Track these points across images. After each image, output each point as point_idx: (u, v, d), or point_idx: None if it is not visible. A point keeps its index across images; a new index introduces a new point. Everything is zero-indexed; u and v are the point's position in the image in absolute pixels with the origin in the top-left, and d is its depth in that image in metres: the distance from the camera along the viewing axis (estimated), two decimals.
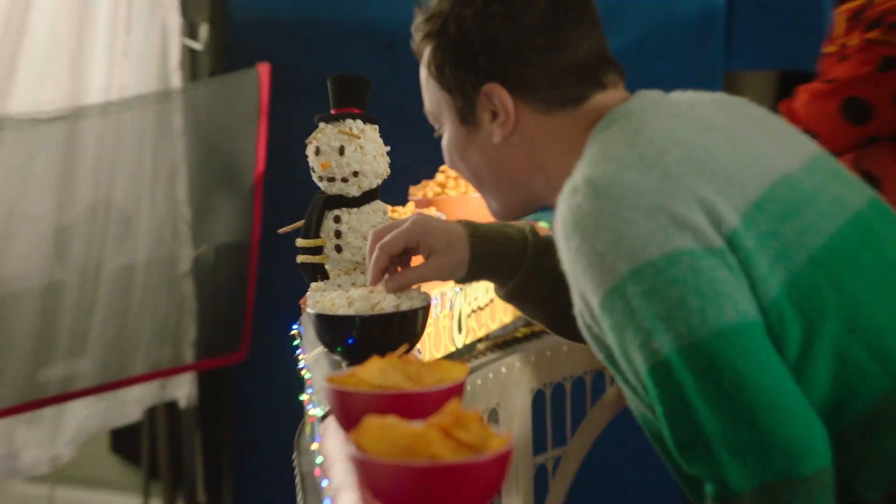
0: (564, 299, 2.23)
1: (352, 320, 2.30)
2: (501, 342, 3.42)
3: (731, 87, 4.40)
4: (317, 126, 2.56)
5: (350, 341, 2.31)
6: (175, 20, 4.89)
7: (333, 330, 2.33)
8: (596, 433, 3.64)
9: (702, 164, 2.08)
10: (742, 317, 1.99)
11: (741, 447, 1.96)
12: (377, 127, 2.60)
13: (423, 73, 2.41)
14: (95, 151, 4.53)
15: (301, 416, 2.45)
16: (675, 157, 2.08)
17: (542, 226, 2.92)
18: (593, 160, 2.14)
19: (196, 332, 4.86)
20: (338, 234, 2.53)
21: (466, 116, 2.35)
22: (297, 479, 2.35)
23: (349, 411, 1.90)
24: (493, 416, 3.33)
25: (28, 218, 4.41)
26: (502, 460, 1.62)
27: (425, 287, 2.48)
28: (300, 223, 2.58)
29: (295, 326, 2.76)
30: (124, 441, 5.40)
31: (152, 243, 4.74)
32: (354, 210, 2.55)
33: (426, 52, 2.38)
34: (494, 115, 2.32)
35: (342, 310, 2.32)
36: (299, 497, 2.30)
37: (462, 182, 3.37)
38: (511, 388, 3.37)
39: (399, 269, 2.42)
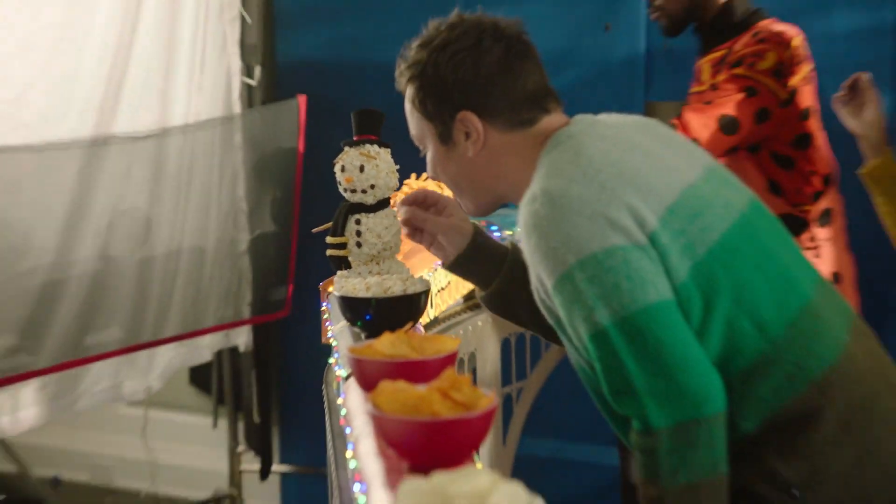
0: (531, 303, 2.27)
1: (368, 301, 2.26)
2: (477, 304, 3.32)
3: (648, 112, 4.35)
4: (342, 149, 2.50)
5: (367, 318, 2.28)
6: (236, 63, 4.86)
7: (354, 309, 2.29)
8: (548, 370, 3.67)
9: (629, 179, 2.09)
10: (661, 297, 2.02)
11: (660, 395, 1.99)
12: (390, 150, 2.53)
13: (408, 106, 2.37)
14: (177, 161, 4.49)
15: (327, 359, 2.45)
16: (609, 174, 2.08)
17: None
18: (546, 175, 2.14)
19: (251, 296, 4.81)
20: (358, 234, 2.48)
21: (445, 138, 2.31)
22: (325, 403, 2.41)
23: (366, 375, 1.88)
24: (472, 358, 3.33)
25: (127, 211, 4.35)
26: (488, 415, 1.61)
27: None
28: (328, 225, 2.53)
29: (324, 304, 2.73)
30: (199, 375, 5.36)
31: (219, 229, 4.70)
32: (371, 215, 2.49)
33: (409, 91, 2.34)
34: (467, 135, 2.28)
35: (361, 293, 2.28)
36: (326, 416, 2.34)
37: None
38: (485, 338, 3.36)
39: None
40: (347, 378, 2.13)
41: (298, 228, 4.68)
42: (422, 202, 2.42)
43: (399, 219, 2.44)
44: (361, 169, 2.47)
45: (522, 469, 3.48)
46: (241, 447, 5.18)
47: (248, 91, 4.91)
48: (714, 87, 3.34)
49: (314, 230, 2.64)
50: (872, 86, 3.19)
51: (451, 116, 2.28)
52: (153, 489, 5.23)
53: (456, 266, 2.44)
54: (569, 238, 2.03)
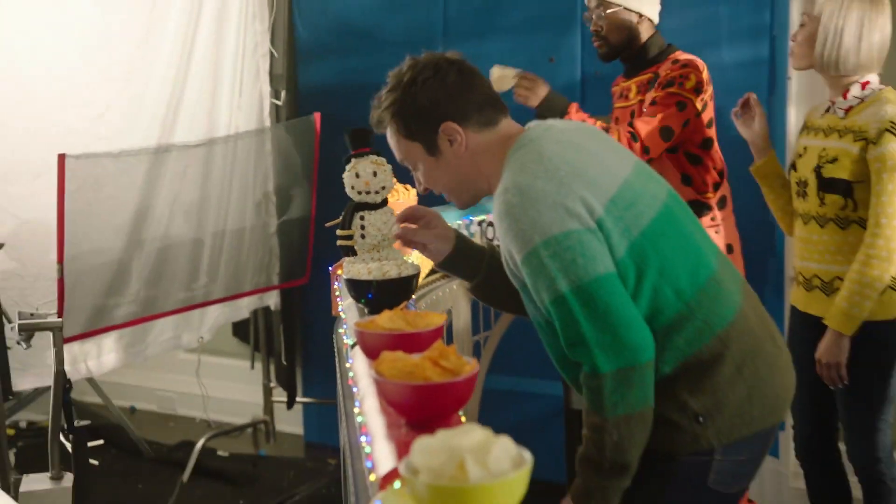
0: (511, 292, 2.20)
1: (370, 283, 2.17)
2: None
3: None
4: (349, 161, 2.40)
5: (369, 296, 2.19)
6: (267, 88, 4.77)
7: (358, 289, 2.20)
8: (508, 323, 3.56)
9: (580, 175, 2.03)
10: (607, 269, 1.97)
11: (607, 346, 1.96)
12: (385, 159, 2.43)
13: (394, 139, 2.23)
14: (222, 164, 4.41)
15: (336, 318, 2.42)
16: (565, 171, 2.02)
17: None
18: (516, 171, 2.05)
19: (279, 267, 4.71)
20: (362, 227, 2.37)
21: (433, 150, 2.19)
22: (335, 350, 2.35)
23: (370, 344, 1.80)
24: (448, 314, 3.22)
25: (183, 202, 4.29)
26: (472, 380, 1.55)
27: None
28: (338, 220, 2.43)
29: (335, 284, 2.63)
30: (240, 329, 5.27)
31: (254, 216, 4.60)
32: (373, 212, 2.38)
33: (393, 126, 2.21)
34: (451, 142, 2.15)
35: (364, 276, 2.18)
36: (336, 359, 2.28)
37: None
38: (458, 298, 3.25)
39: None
40: (353, 346, 2.02)
41: (315, 215, 4.56)
42: (411, 218, 2.28)
43: (393, 234, 2.31)
44: (375, 174, 2.37)
45: (487, 400, 3.42)
46: (273, 384, 5.11)
47: (276, 110, 4.83)
48: (653, 102, 3.29)
49: (327, 224, 2.55)
50: (759, 104, 3.20)
51: (434, 131, 2.15)
52: (205, 416, 5.16)
53: (444, 265, 2.31)
54: (534, 222, 1.96)
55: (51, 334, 3.26)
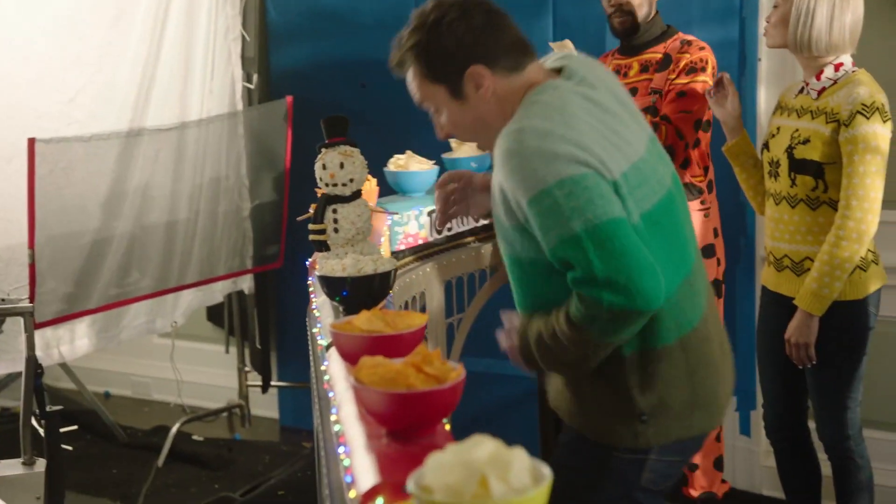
0: None
1: (344, 280, 2.02)
2: (423, 255, 3.18)
3: None
4: (319, 152, 2.27)
5: (344, 293, 2.05)
6: (238, 72, 4.64)
7: (332, 286, 2.06)
8: (481, 304, 3.45)
9: (598, 141, 1.91)
10: (622, 214, 1.88)
11: (619, 288, 1.85)
12: (358, 150, 2.30)
13: (416, 82, 2.05)
14: (194, 148, 4.31)
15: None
16: (582, 130, 1.90)
17: None
18: (535, 114, 1.93)
19: (253, 251, 4.60)
20: (335, 221, 2.26)
21: (458, 94, 2.01)
22: (308, 335, 2.25)
23: (347, 348, 1.67)
24: (423, 296, 3.14)
25: (156, 186, 4.19)
26: (458, 387, 1.43)
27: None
28: (310, 213, 2.31)
29: (310, 279, 2.50)
30: (214, 313, 5.15)
31: (227, 199, 4.48)
32: (346, 205, 2.27)
33: (415, 68, 2.04)
34: (477, 86, 2.00)
35: (338, 272, 2.04)
36: (309, 344, 2.20)
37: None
38: (432, 280, 3.16)
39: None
40: (328, 347, 1.89)
41: (289, 199, 4.48)
42: (451, 180, 2.22)
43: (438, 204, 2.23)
44: (342, 166, 2.24)
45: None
46: (247, 368, 5.01)
47: (247, 93, 4.71)
48: (681, 94, 3.30)
49: (299, 218, 2.43)
50: (732, 83, 3.14)
51: (460, 75, 1.99)
52: (180, 400, 5.06)
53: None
54: (549, 163, 1.85)
55: (21, 319, 3.21)
